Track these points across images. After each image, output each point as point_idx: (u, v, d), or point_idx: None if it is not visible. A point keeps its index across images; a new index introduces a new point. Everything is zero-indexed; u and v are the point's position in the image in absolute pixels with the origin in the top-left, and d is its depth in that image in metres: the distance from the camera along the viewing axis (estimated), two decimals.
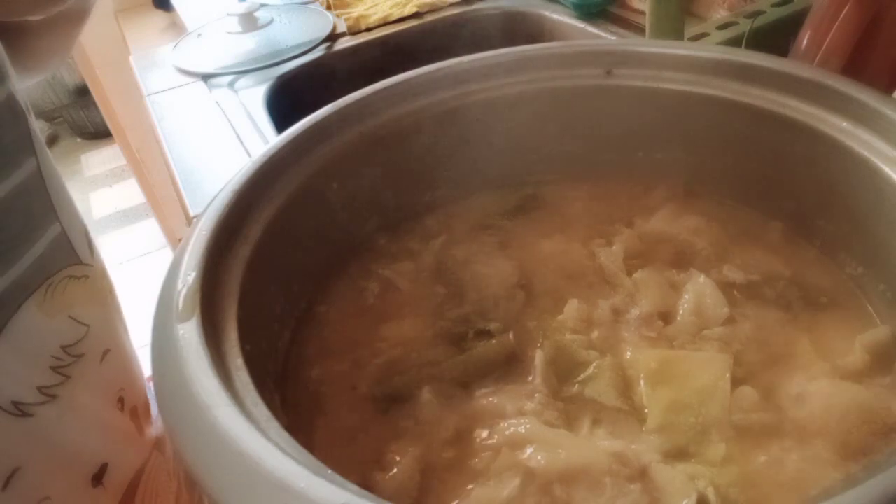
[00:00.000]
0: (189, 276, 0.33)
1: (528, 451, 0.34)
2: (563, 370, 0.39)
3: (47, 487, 0.40)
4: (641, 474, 0.33)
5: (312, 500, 0.23)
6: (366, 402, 0.39)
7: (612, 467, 0.33)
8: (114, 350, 0.45)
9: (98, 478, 0.43)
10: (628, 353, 0.39)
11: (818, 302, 0.41)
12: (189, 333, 0.30)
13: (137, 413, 0.49)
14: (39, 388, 0.38)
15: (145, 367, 0.51)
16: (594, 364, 0.39)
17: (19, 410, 0.37)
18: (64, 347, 0.40)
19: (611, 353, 0.40)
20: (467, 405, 0.38)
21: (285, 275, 0.42)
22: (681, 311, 0.41)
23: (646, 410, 0.36)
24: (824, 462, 0.33)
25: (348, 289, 0.46)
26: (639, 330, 0.41)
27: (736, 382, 0.36)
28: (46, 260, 0.39)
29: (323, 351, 0.42)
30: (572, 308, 0.42)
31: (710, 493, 0.32)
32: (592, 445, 0.35)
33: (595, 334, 0.41)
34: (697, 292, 0.42)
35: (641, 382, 0.37)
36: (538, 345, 0.40)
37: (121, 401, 0.46)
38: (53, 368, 0.40)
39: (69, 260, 0.41)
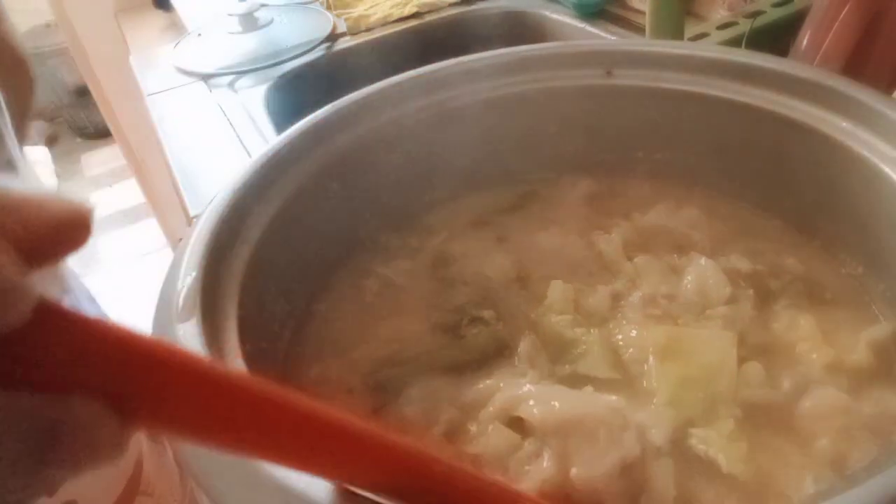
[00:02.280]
0: (189, 276, 0.33)
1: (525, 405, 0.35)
2: (554, 352, 0.39)
3: None
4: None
5: (312, 500, 0.24)
6: (364, 401, 0.39)
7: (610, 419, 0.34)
8: None
9: None
10: (633, 332, 0.39)
11: (823, 297, 0.41)
12: (189, 333, 0.30)
13: None
14: None
15: None
16: (583, 341, 0.39)
17: None
18: None
19: (602, 329, 0.40)
20: (461, 396, 0.38)
21: (285, 275, 0.42)
22: (683, 292, 0.41)
23: (654, 383, 0.36)
24: (826, 449, 0.33)
25: (348, 288, 0.46)
26: (643, 309, 0.41)
27: (740, 361, 0.37)
28: None
29: (322, 350, 0.42)
30: (556, 290, 0.42)
31: (721, 459, 0.33)
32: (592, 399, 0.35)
33: (584, 313, 0.41)
34: (699, 273, 0.42)
35: (650, 358, 0.38)
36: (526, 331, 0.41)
37: None
38: None
39: None
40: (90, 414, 0.16)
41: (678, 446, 0.34)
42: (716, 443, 0.33)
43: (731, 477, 0.33)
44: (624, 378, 0.37)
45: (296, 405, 0.20)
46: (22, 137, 0.46)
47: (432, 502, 0.23)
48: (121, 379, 0.17)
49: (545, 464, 0.32)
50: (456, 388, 0.38)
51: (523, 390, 0.35)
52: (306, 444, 0.21)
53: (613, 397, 0.35)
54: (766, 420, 0.35)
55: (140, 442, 0.49)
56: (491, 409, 0.35)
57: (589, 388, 0.36)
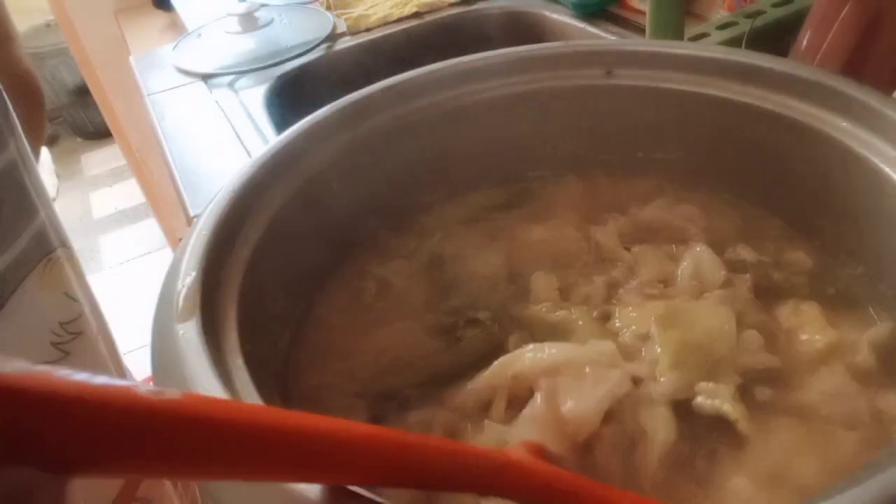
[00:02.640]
0: (189, 276, 0.33)
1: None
2: (542, 339, 0.39)
3: None
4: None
5: (312, 500, 0.24)
6: (363, 403, 0.39)
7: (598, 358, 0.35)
8: (103, 329, 0.46)
9: None
10: (632, 313, 0.40)
11: (825, 292, 0.41)
12: (189, 333, 0.30)
13: None
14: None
15: (145, 367, 0.51)
16: (568, 320, 0.40)
17: None
18: (62, 324, 0.41)
19: (586, 306, 0.41)
20: (457, 399, 0.38)
21: (285, 275, 0.41)
22: (680, 276, 0.42)
23: (657, 348, 0.37)
24: (826, 424, 0.34)
25: (347, 289, 0.46)
26: (641, 291, 0.41)
27: (738, 332, 0.37)
28: (42, 239, 0.40)
29: (322, 352, 0.42)
30: (539, 281, 0.42)
31: (728, 410, 0.33)
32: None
33: (576, 301, 0.42)
34: (696, 259, 0.42)
35: (652, 326, 0.38)
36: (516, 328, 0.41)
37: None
38: (54, 344, 0.40)
39: (60, 241, 0.42)
40: (25, 482, 0.15)
41: (683, 408, 0.34)
42: (723, 396, 0.34)
43: (734, 435, 0.33)
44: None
45: (243, 417, 0.19)
46: (37, 152, 0.46)
47: (417, 483, 0.23)
48: (52, 436, 0.15)
49: (537, 403, 0.33)
50: (453, 392, 0.38)
51: (520, 350, 0.37)
52: (270, 456, 0.19)
53: (606, 343, 0.36)
54: (765, 387, 0.36)
55: None
56: (488, 372, 0.36)
57: None
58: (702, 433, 0.34)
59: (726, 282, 0.41)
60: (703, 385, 0.35)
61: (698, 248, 0.43)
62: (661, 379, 0.35)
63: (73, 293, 0.43)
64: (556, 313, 0.41)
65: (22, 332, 0.38)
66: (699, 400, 0.34)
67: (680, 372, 0.35)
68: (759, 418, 0.34)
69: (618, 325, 0.40)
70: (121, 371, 0.49)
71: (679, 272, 0.42)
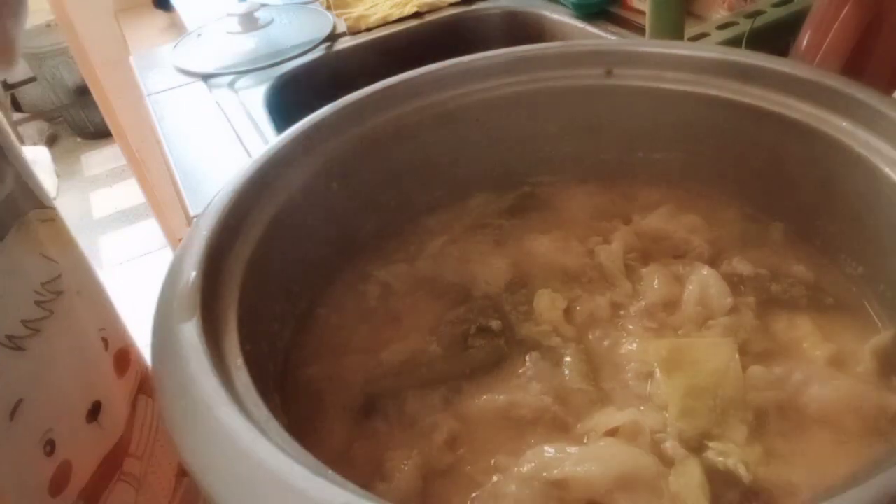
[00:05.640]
0: (189, 276, 0.33)
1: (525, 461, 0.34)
2: (546, 363, 0.39)
3: (49, 421, 0.41)
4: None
5: (312, 500, 0.24)
6: (363, 406, 0.39)
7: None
8: (85, 291, 0.46)
9: (93, 414, 0.45)
10: (634, 344, 0.40)
11: (824, 302, 0.41)
12: (189, 333, 0.30)
13: (120, 357, 0.49)
14: (24, 322, 0.40)
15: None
16: (561, 350, 0.40)
17: (14, 344, 0.39)
18: (44, 284, 0.42)
19: (584, 338, 0.40)
20: (460, 407, 0.38)
21: (285, 275, 0.41)
22: (685, 302, 0.41)
23: (663, 395, 0.36)
24: (842, 443, 0.34)
25: (348, 290, 0.46)
26: (641, 321, 0.41)
27: (744, 367, 0.37)
28: (12, 202, 0.41)
29: (322, 353, 0.42)
30: (541, 300, 0.42)
31: (741, 470, 0.33)
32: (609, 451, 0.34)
33: (579, 323, 0.41)
34: (701, 282, 0.42)
35: (657, 371, 0.38)
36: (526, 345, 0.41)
37: (104, 341, 0.47)
38: (38, 303, 0.41)
39: (33, 203, 0.43)
40: None
41: (697, 456, 0.34)
42: (734, 453, 0.33)
43: (753, 482, 0.33)
44: (595, 389, 0.37)
45: None
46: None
47: None
48: None
49: None
50: (456, 399, 0.38)
51: (555, 455, 0.34)
52: None
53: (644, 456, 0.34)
54: (777, 420, 0.35)
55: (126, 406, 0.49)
56: (525, 468, 0.34)
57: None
58: (718, 475, 0.33)
59: (732, 308, 0.40)
60: (712, 444, 0.34)
61: (704, 271, 0.42)
62: (672, 430, 0.35)
63: (49, 254, 0.43)
64: (552, 339, 0.40)
65: (6, 290, 0.39)
66: (710, 455, 0.34)
67: (690, 420, 0.35)
68: (769, 439, 0.34)
69: (623, 353, 0.39)
70: (120, 334, 0.49)
71: (685, 297, 0.41)
